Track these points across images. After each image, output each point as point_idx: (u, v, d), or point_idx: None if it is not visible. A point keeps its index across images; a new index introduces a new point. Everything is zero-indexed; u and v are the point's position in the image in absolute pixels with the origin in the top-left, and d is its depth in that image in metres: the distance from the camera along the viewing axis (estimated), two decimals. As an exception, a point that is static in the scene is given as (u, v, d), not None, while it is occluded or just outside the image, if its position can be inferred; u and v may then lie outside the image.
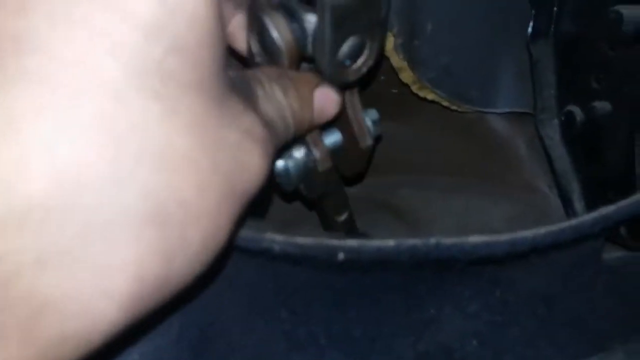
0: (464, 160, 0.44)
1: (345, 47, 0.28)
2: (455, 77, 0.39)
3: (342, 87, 0.31)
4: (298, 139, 0.33)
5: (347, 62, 0.29)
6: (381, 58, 0.32)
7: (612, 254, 0.36)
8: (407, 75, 0.38)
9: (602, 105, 0.36)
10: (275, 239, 0.25)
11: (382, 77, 0.41)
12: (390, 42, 0.36)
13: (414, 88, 0.39)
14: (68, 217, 0.17)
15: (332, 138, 0.34)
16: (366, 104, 0.41)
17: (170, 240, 0.19)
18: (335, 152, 0.34)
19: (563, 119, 0.39)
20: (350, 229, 0.42)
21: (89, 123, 0.17)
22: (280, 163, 0.33)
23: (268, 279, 0.28)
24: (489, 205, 0.43)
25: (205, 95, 0.20)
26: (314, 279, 0.29)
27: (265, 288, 0.29)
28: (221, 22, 0.20)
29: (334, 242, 0.26)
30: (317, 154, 0.33)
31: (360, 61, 0.29)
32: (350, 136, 0.34)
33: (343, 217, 0.41)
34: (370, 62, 0.29)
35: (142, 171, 0.18)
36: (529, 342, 0.32)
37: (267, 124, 0.24)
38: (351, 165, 0.36)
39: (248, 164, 0.21)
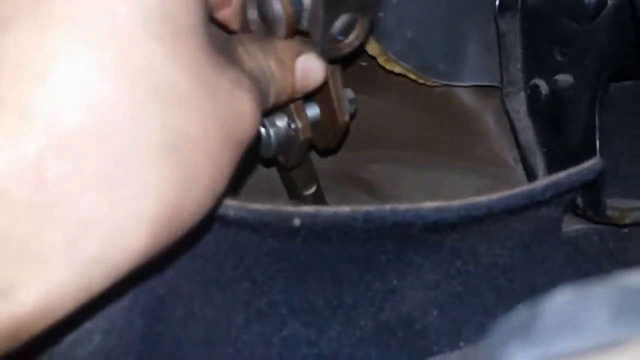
0: (433, 134, 0.44)
1: (338, 23, 0.30)
2: (421, 50, 0.39)
3: (331, 62, 0.32)
4: (281, 108, 0.34)
5: (340, 37, 0.31)
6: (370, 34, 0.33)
7: (572, 226, 0.37)
8: (372, 47, 0.38)
9: (565, 78, 0.36)
10: (229, 204, 0.25)
11: (350, 50, 0.40)
12: (353, 14, 0.36)
13: (381, 60, 0.39)
14: (102, 144, 0.19)
15: (311, 111, 0.35)
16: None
17: (184, 170, 0.21)
18: (312, 126, 0.35)
19: (529, 92, 0.39)
20: (319, 203, 0.42)
21: (110, 62, 0.19)
22: (262, 129, 0.34)
23: (228, 250, 0.29)
24: (457, 179, 0.43)
25: (199, 39, 0.21)
26: (274, 250, 0.29)
27: (225, 259, 0.29)
28: None
29: (289, 208, 0.26)
30: (299, 123, 0.34)
31: (352, 37, 0.31)
32: (329, 111, 0.35)
33: (311, 190, 0.41)
34: (362, 38, 0.31)
35: (154, 106, 0.20)
36: (488, 313, 0.33)
37: (252, 79, 0.25)
38: (326, 139, 0.37)
39: (242, 112, 0.23)
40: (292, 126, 0.34)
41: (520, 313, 0.15)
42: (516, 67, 0.40)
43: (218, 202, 0.23)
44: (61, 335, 0.23)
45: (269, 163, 0.40)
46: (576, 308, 0.14)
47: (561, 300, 0.14)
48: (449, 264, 0.32)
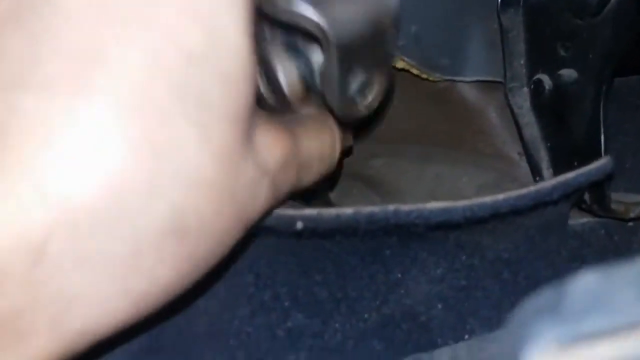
0: (436, 129, 0.44)
1: (354, 83, 0.28)
2: (425, 45, 0.39)
3: (353, 123, 0.32)
4: None
5: (357, 99, 0.29)
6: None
7: (578, 220, 0.37)
8: (375, 43, 0.38)
9: (568, 73, 0.36)
10: None
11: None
12: (356, 8, 0.36)
13: (384, 56, 0.39)
14: (111, 224, 0.18)
15: None
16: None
17: (188, 254, 0.20)
18: None
19: (532, 87, 0.39)
20: (321, 197, 0.42)
21: (136, 137, 0.18)
22: None
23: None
24: (460, 174, 0.43)
25: (238, 126, 0.21)
26: (277, 245, 0.29)
27: (229, 253, 0.29)
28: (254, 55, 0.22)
29: (292, 211, 0.26)
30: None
31: (370, 97, 0.29)
32: None
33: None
34: (380, 96, 0.29)
35: (173, 189, 0.19)
36: (493, 306, 0.32)
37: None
38: None
39: (259, 198, 0.23)
40: None
41: (545, 293, 0.15)
42: (519, 63, 0.40)
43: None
44: None
45: None
46: (603, 288, 0.14)
47: (587, 281, 0.14)
48: (453, 257, 0.32)
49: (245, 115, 0.21)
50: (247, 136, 0.22)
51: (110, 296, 0.19)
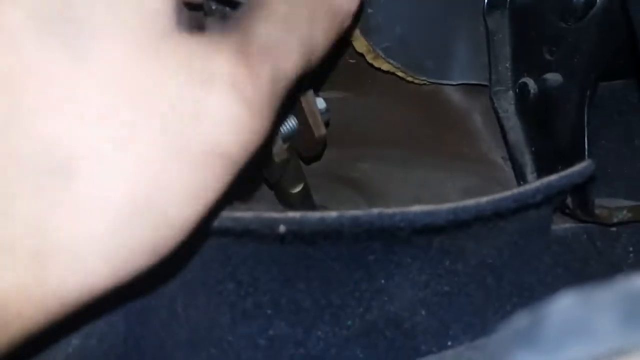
0: (421, 133, 0.43)
1: None
2: (410, 48, 0.38)
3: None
4: None
5: None
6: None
7: (561, 225, 0.37)
8: (360, 44, 0.38)
9: (554, 77, 0.36)
10: None
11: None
12: (341, 10, 0.36)
13: (369, 57, 0.38)
14: None
15: (288, 125, 0.36)
16: (324, 75, 0.41)
17: (78, 193, 0.17)
18: (292, 136, 0.36)
19: (517, 91, 0.39)
20: (306, 201, 0.41)
21: None
22: None
23: (214, 252, 0.28)
24: (445, 178, 0.43)
25: (134, 41, 0.17)
26: (260, 251, 0.28)
27: (210, 261, 0.28)
28: None
29: (274, 214, 0.25)
30: (274, 148, 0.34)
31: None
32: (305, 125, 0.36)
33: (298, 189, 0.41)
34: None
35: (39, 121, 0.16)
36: (477, 312, 0.32)
37: (261, 49, 0.19)
38: (309, 149, 0.37)
39: (207, 113, 0.18)
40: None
41: (522, 318, 0.14)
42: (505, 66, 0.39)
43: (183, 240, 0.19)
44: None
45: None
46: (582, 313, 0.13)
47: (565, 305, 0.14)
48: (437, 263, 0.32)
49: (154, 21, 0.17)
50: (169, 44, 0.17)
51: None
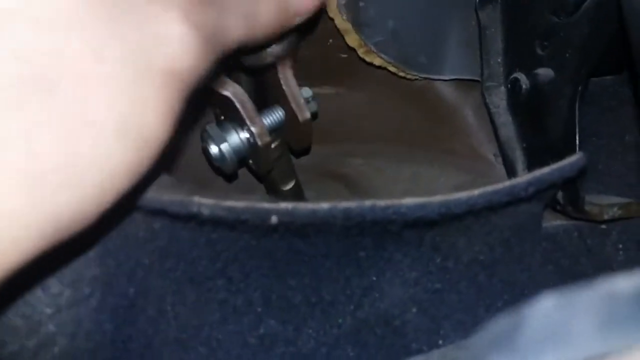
0: (413, 128, 0.43)
1: None
2: (402, 42, 0.38)
3: (254, 70, 0.34)
4: (233, 121, 0.34)
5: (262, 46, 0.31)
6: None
7: (551, 222, 0.37)
8: (352, 38, 0.37)
9: (545, 72, 0.36)
10: (203, 203, 0.24)
11: (331, 41, 0.40)
12: (332, 2, 0.35)
13: (360, 52, 0.38)
14: None
15: (275, 115, 0.36)
16: (316, 69, 0.41)
17: (61, 112, 0.17)
18: (280, 128, 0.36)
19: (509, 86, 0.38)
20: (298, 198, 0.41)
21: None
22: (214, 149, 0.34)
23: (203, 248, 0.28)
24: (437, 174, 0.43)
25: None
26: (251, 246, 0.28)
27: (200, 257, 0.28)
28: None
29: (267, 205, 0.25)
30: (253, 129, 0.34)
31: (274, 47, 0.31)
32: (290, 111, 0.35)
33: (289, 186, 0.40)
34: (284, 49, 0.32)
35: (6, 29, 0.17)
36: (468, 309, 0.32)
37: None
38: (297, 140, 0.37)
39: (162, 34, 0.19)
40: (247, 134, 0.34)
41: (501, 322, 0.14)
42: (496, 61, 0.39)
43: (157, 154, 0.20)
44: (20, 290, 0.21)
45: (232, 178, 0.40)
46: (561, 317, 0.13)
47: (545, 308, 0.13)
48: (428, 260, 0.31)
49: None
50: None
51: None
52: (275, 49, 0.32)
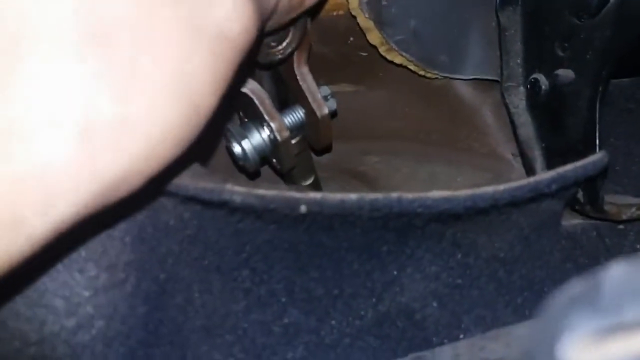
0: (431, 127, 0.44)
1: (272, 36, 0.33)
2: (424, 41, 0.38)
3: (270, 66, 0.35)
4: (254, 120, 0.35)
5: (273, 44, 0.34)
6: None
7: (570, 221, 0.37)
8: (374, 36, 0.38)
9: (565, 73, 0.36)
10: (236, 190, 0.24)
11: (352, 39, 0.40)
12: (355, 0, 0.36)
13: (382, 50, 0.39)
14: None
15: (295, 114, 0.37)
16: (336, 67, 0.41)
17: (117, 67, 0.17)
18: (301, 127, 0.37)
19: (529, 86, 0.39)
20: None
21: None
22: (237, 148, 0.35)
23: (229, 238, 0.28)
24: (454, 173, 0.43)
25: None
26: (276, 238, 0.28)
27: (226, 247, 0.28)
28: None
29: (296, 194, 0.25)
30: (273, 124, 0.35)
31: (284, 44, 0.34)
32: (308, 109, 0.36)
33: (309, 182, 0.41)
34: (293, 45, 0.34)
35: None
36: (488, 305, 0.32)
37: None
38: (317, 137, 0.38)
39: (217, 1, 0.19)
40: (268, 131, 0.35)
41: (577, 285, 0.15)
42: (516, 62, 0.40)
43: (203, 126, 0.20)
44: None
45: (255, 175, 0.41)
46: (636, 278, 0.14)
47: (619, 271, 0.14)
48: (449, 255, 0.32)
49: None
50: None
51: (38, 124, 0.17)
52: (288, 40, 0.34)
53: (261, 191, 0.25)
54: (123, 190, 0.18)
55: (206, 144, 0.21)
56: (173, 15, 0.18)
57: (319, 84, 0.36)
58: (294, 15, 0.30)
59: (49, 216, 0.17)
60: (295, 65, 0.35)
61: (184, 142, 0.19)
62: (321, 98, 0.36)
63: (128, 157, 0.18)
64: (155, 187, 0.20)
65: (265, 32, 0.30)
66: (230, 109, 0.39)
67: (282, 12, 0.27)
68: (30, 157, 0.17)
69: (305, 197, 0.25)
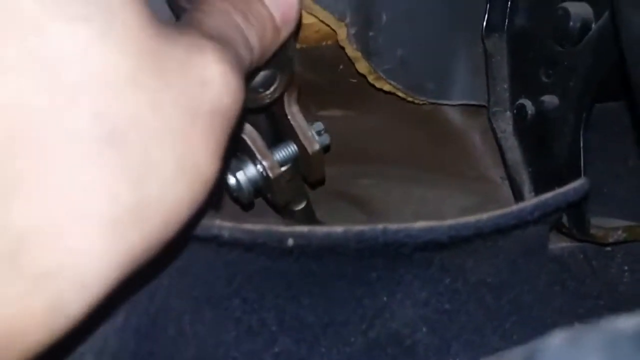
0: (421, 151, 0.44)
1: (259, 77, 0.34)
2: (411, 69, 0.39)
3: (256, 110, 0.36)
4: (247, 155, 0.36)
5: (261, 90, 0.34)
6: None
7: (557, 244, 0.37)
8: (362, 66, 0.39)
9: (550, 99, 0.37)
10: (224, 226, 0.25)
11: (341, 67, 0.41)
12: (342, 32, 0.37)
13: (370, 78, 0.39)
14: (17, 147, 0.17)
15: (287, 149, 0.38)
16: (327, 93, 0.42)
17: (132, 160, 0.19)
18: (294, 162, 0.38)
19: (515, 112, 0.40)
20: (309, 218, 0.42)
21: (17, 59, 0.18)
22: (231, 180, 0.36)
23: (219, 269, 0.29)
24: (444, 196, 0.44)
25: (135, 13, 0.20)
26: (266, 268, 0.29)
27: (216, 278, 0.29)
28: None
29: (283, 228, 0.26)
30: (265, 163, 0.36)
31: (272, 89, 0.34)
32: (300, 145, 0.37)
33: (301, 206, 0.41)
34: (281, 90, 0.35)
35: (82, 95, 0.18)
36: (476, 330, 0.33)
37: (216, 38, 0.23)
38: (310, 171, 0.39)
39: (205, 78, 0.21)
40: (259, 167, 0.36)
41: (514, 355, 0.15)
42: (503, 87, 0.40)
43: (210, 189, 0.22)
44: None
45: (249, 207, 0.41)
46: (570, 355, 0.14)
47: (555, 346, 0.14)
48: (437, 281, 0.32)
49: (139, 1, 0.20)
50: (159, 22, 0.21)
51: (66, 224, 0.18)
52: (275, 85, 0.34)
53: (249, 226, 0.25)
54: (145, 259, 0.20)
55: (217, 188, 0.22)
56: (174, 105, 0.20)
57: (313, 116, 0.38)
58: (272, 51, 0.30)
59: (85, 299, 0.19)
60: (285, 105, 0.36)
61: (195, 205, 0.21)
62: (312, 135, 0.37)
63: (148, 233, 0.20)
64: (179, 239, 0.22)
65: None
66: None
67: (260, 58, 0.28)
68: (67, 248, 0.18)
69: (292, 231, 0.26)
